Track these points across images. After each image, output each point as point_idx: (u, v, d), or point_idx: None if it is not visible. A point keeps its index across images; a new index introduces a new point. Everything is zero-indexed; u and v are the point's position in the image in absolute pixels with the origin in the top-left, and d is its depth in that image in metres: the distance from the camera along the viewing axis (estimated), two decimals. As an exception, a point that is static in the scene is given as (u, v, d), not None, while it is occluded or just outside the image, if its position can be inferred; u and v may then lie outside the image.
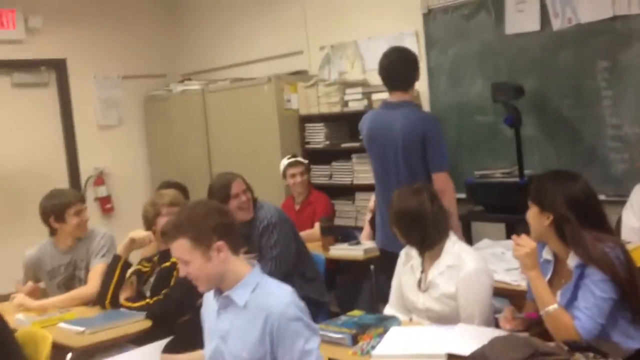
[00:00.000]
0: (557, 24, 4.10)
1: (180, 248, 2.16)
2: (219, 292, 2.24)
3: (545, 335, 2.30)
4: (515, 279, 2.98)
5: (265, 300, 2.16)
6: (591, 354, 1.99)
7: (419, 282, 2.79)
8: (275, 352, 2.14)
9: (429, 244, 2.74)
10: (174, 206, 3.31)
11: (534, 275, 2.36)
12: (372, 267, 4.15)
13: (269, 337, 2.12)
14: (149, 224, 3.39)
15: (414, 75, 3.57)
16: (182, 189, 4.30)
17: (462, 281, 2.65)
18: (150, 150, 6.55)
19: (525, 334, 2.37)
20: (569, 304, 2.31)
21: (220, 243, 2.16)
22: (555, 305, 2.29)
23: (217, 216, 2.21)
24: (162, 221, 3.33)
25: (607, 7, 3.86)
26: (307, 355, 2.12)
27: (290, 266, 3.65)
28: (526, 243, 2.38)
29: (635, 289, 2.27)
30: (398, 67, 3.54)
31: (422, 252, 2.79)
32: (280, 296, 2.17)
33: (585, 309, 2.23)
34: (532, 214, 2.43)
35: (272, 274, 3.49)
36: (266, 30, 5.89)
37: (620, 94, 3.91)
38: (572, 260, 2.34)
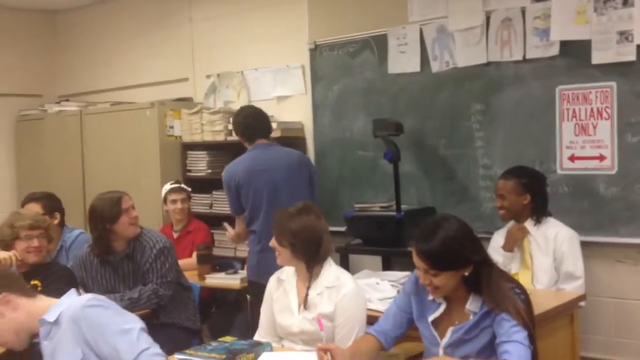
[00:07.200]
0: (435, 67, 4.30)
1: None
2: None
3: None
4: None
5: (69, 310, 2.24)
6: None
7: (299, 303, 2.76)
8: (96, 346, 2.15)
9: (322, 259, 2.74)
10: (34, 229, 3.28)
11: None
12: (248, 296, 4.07)
13: (82, 337, 2.16)
14: (5, 247, 3.28)
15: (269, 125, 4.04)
16: (51, 197, 4.12)
17: (343, 299, 2.66)
18: (20, 172, 6.18)
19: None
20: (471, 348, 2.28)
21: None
22: None
23: None
24: (21, 246, 3.27)
25: (482, 53, 4.10)
26: (127, 333, 2.16)
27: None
28: None
29: (534, 329, 2.23)
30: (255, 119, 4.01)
31: (310, 268, 2.74)
32: (73, 302, 2.26)
33: (514, 341, 2.13)
34: (445, 277, 2.25)
35: (163, 298, 3.46)
36: (151, 55, 5.78)
37: (492, 136, 4.13)
38: (473, 305, 2.28)
